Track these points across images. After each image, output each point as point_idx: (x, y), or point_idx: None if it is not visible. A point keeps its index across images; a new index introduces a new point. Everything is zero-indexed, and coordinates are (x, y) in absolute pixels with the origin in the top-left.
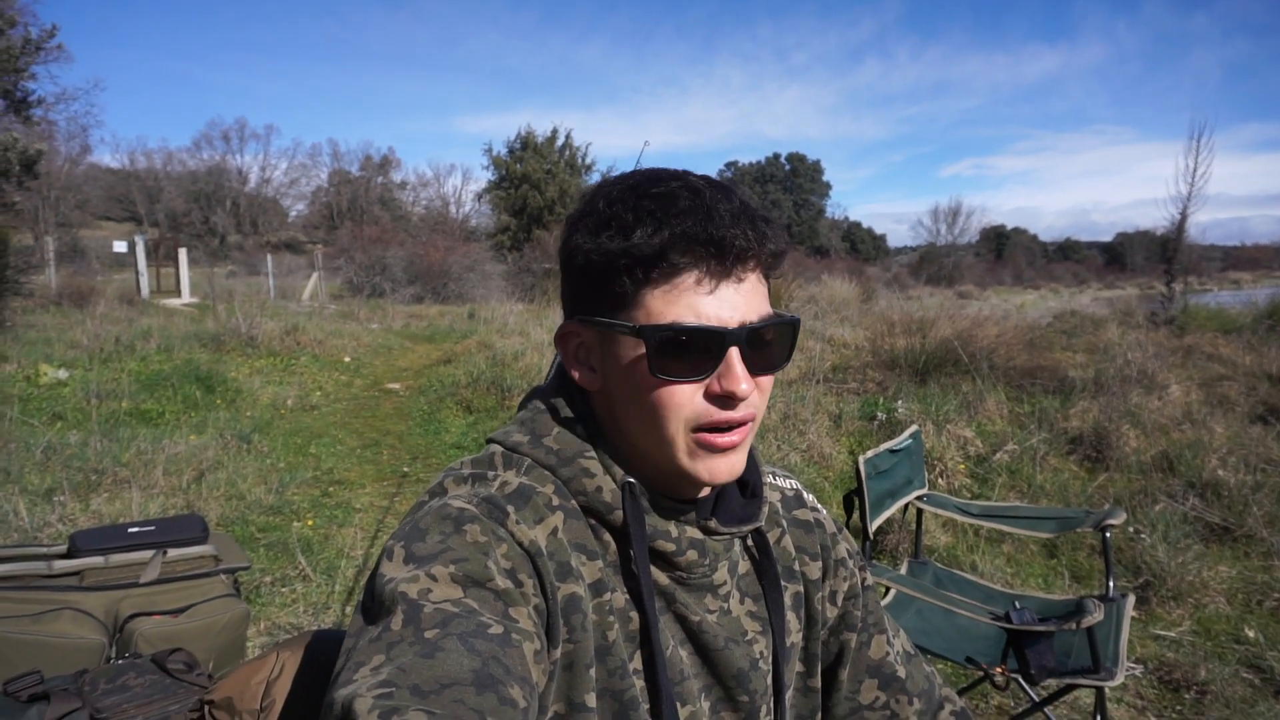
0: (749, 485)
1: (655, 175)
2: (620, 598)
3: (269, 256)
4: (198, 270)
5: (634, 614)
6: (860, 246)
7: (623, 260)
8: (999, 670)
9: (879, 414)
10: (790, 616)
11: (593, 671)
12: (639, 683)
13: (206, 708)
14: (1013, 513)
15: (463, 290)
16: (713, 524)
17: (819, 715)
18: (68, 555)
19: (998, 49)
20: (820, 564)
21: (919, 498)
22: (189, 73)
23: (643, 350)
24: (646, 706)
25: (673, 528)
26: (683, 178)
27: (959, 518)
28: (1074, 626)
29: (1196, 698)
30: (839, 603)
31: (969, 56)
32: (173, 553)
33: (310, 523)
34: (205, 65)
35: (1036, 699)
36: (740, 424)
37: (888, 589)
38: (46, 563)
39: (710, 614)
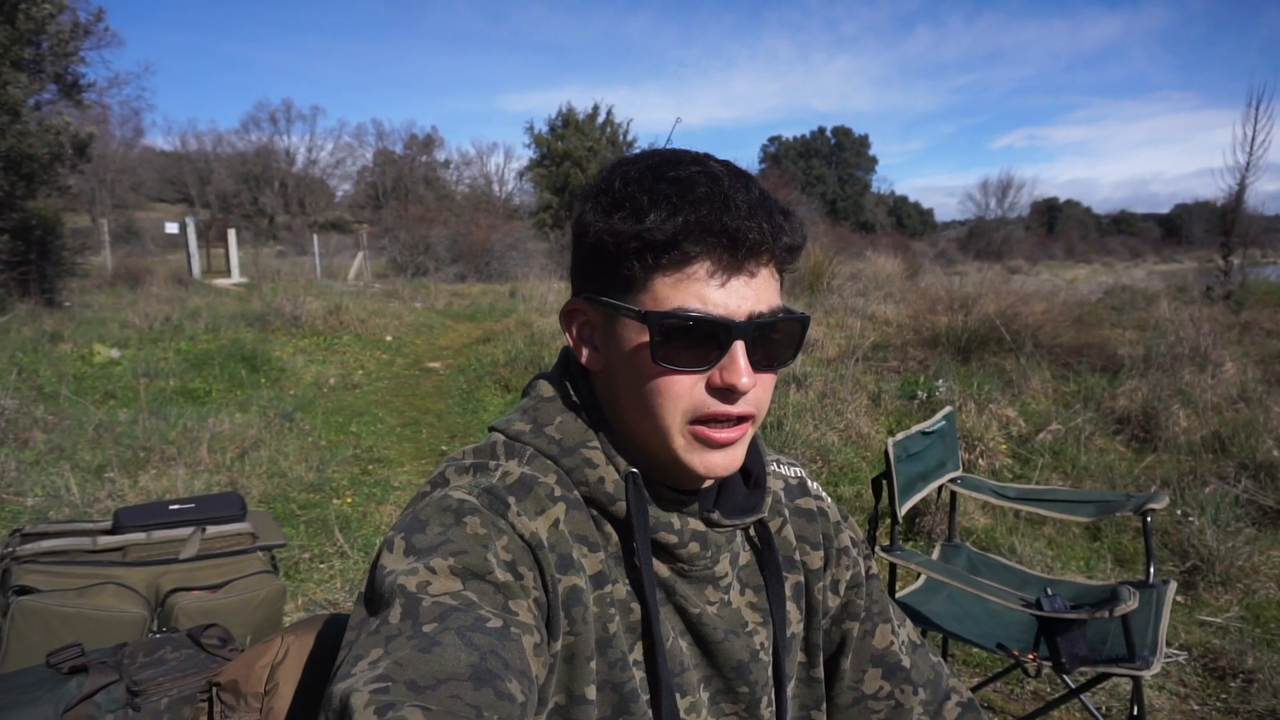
0: (752, 475)
1: (675, 158)
2: (621, 589)
3: (315, 236)
4: (246, 250)
5: (635, 605)
6: (906, 221)
7: (633, 243)
8: (1030, 657)
9: (919, 393)
10: (791, 607)
11: (593, 664)
12: (639, 674)
13: (214, 689)
14: (1050, 496)
15: (505, 268)
16: (715, 516)
17: (823, 705)
18: (111, 531)
19: (1056, 14)
20: (821, 553)
21: (953, 480)
22: (236, 54)
23: (646, 336)
24: (646, 698)
25: (675, 520)
26: (703, 162)
27: (994, 501)
28: (1107, 615)
29: (1243, 686)
30: (841, 591)
31: (1026, 22)
32: (211, 530)
33: (349, 500)
34: (252, 46)
35: (1072, 686)
36: (739, 420)
37: (918, 574)
38: (91, 538)
39: (710, 606)
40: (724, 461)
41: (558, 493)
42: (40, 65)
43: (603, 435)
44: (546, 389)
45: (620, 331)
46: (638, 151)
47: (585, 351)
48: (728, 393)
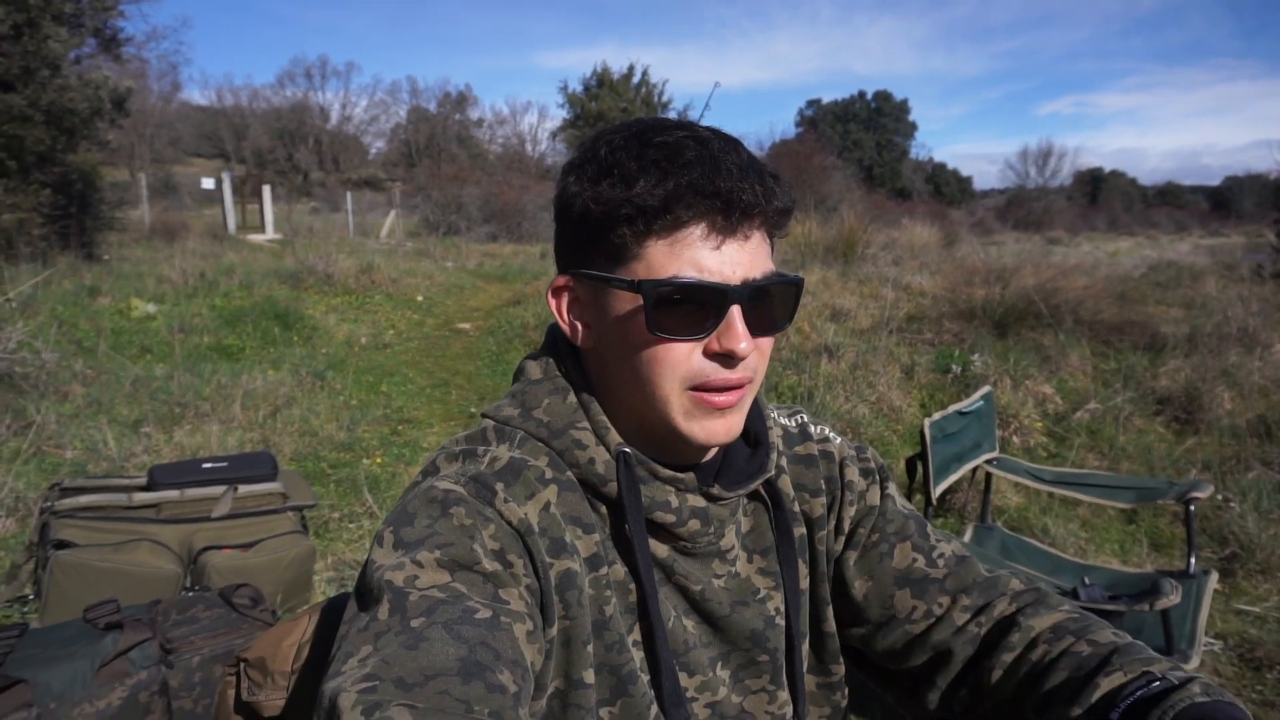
0: (753, 435)
1: (660, 124)
2: (619, 570)
3: (349, 194)
4: (281, 207)
5: (633, 586)
6: (944, 189)
7: (623, 210)
8: None
9: (954, 367)
10: (798, 563)
11: (590, 647)
12: (638, 655)
13: (242, 665)
14: (1089, 480)
15: (537, 229)
16: (715, 490)
17: (840, 659)
18: (147, 488)
19: None
20: (824, 499)
21: (988, 461)
22: (273, 8)
23: (640, 305)
24: (647, 678)
25: (673, 497)
26: (689, 128)
27: (1030, 483)
28: (1147, 608)
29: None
30: (845, 529)
31: None
32: (243, 489)
33: (379, 460)
34: (288, 1)
35: None
36: (738, 385)
37: None
38: (127, 494)
39: (717, 579)
40: (725, 428)
41: (549, 475)
42: (80, 20)
43: (593, 414)
44: (534, 371)
45: (612, 304)
46: (619, 123)
47: (575, 328)
48: (726, 359)
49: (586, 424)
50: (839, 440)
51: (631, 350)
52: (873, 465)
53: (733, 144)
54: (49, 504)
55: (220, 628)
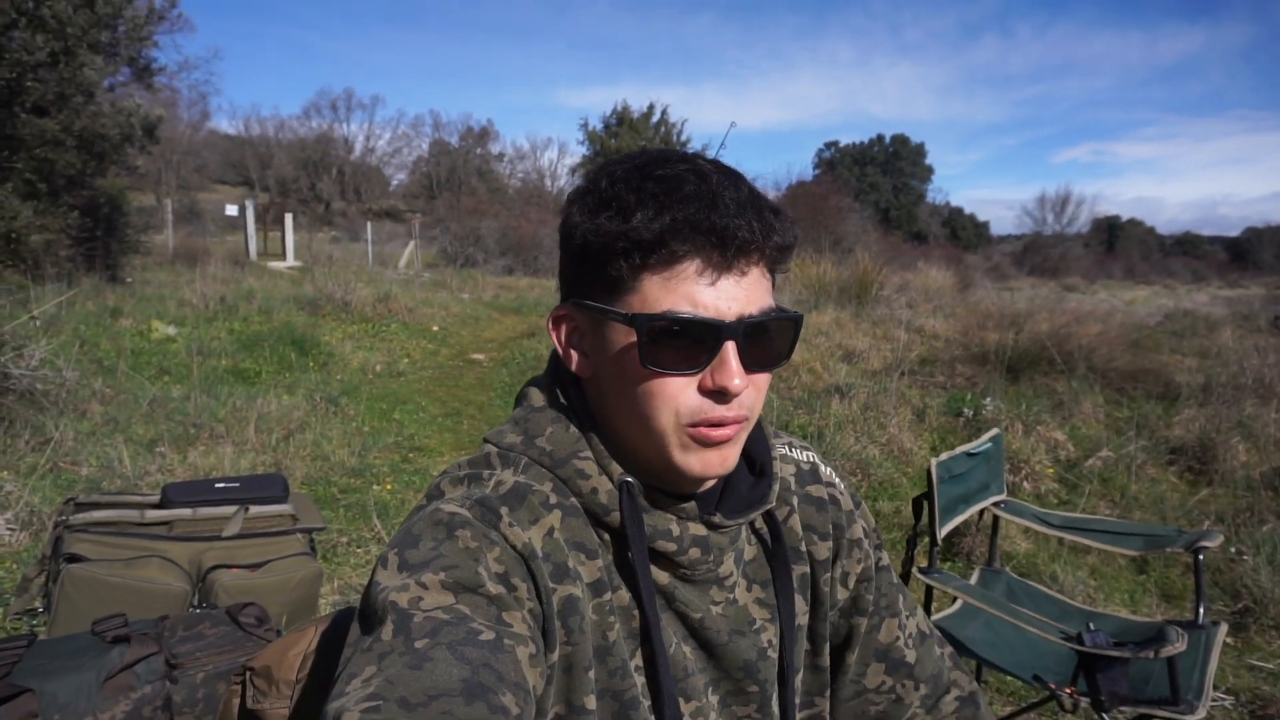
0: (757, 464)
1: (662, 156)
2: (623, 595)
3: (369, 224)
4: (302, 235)
5: (636, 612)
6: (961, 233)
7: (620, 243)
8: (1069, 691)
9: (965, 410)
10: (797, 598)
11: (591, 673)
12: (640, 680)
13: (247, 674)
14: (1097, 526)
15: (553, 263)
16: (717, 519)
17: (826, 692)
18: (160, 505)
19: (1133, 25)
20: (830, 544)
21: (996, 504)
22: (302, 41)
23: (634, 339)
24: (648, 704)
25: (674, 526)
26: (690, 161)
27: (1038, 528)
28: (1152, 655)
29: None
30: (850, 585)
31: (1099, 34)
32: (254, 510)
33: (389, 487)
34: (317, 34)
35: None
36: (735, 421)
37: (954, 598)
38: (140, 511)
39: (715, 606)
40: (720, 460)
41: (553, 500)
42: (115, 49)
43: (595, 444)
44: (537, 398)
45: (608, 335)
46: (625, 154)
47: (574, 357)
48: (720, 395)
49: (589, 454)
50: (844, 487)
51: (627, 383)
52: (873, 525)
53: (733, 178)
54: (63, 518)
55: (225, 645)
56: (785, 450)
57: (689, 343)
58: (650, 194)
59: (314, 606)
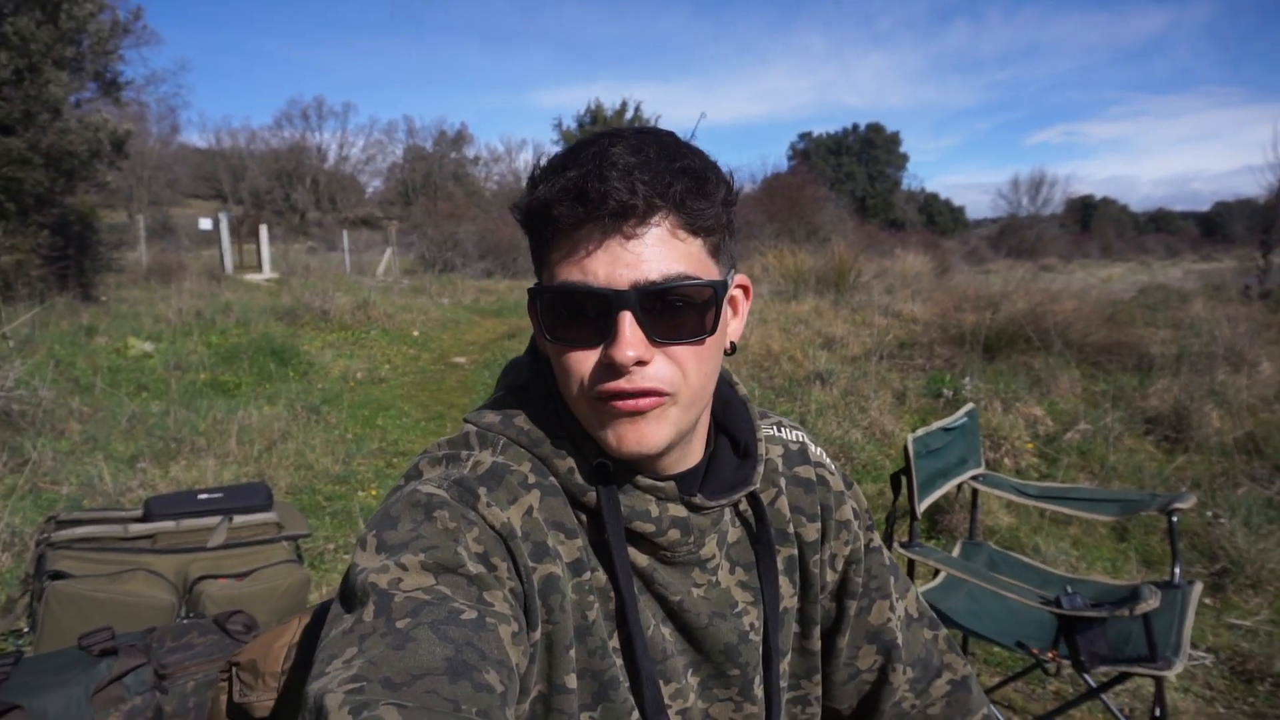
0: (741, 444)
1: (606, 131)
2: (601, 576)
3: (345, 233)
4: (278, 246)
5: (614, 593)
6: (937, 219)
7: (522, 215)
8: (1050, 656)
9: (945, 391)
10: (783, 581)
11: (572, 652)
12: (619, 661)
13: (234, 669)
14: (1073, 494)
15: (531, 265)
16: (698, 499)
17: (815, 676)
18: (142, 519)
19: (1098, 6)
20: (819, 525)
21: (974, 478)
22: (271, 51)
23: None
24: (627, 685)
25: (653, 506)
26: (614, 133)
27: (1016, 498)
28: (1127, 613)
29: (1271, 690)
30: (839, 567)
31: (1066, 16)
32: (238, 519)
33: (374, 493)
34: (286, 43)
35: (1093, 685)
36: (642, 394)
37: (937, 570)
38: (123, 526)
39: (696, 589)
40: (636, 436)
41: (531, 480)
42: (81, 63)
43: (570, 424)
44: (516, 377)
45: (533, 311)
46: None
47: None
48: (614, 368)
49: (565, 433)
50: (835, 468)
51: (551, 356)
52: (864, 506)
53: (648, 142)
54: (45, 536)
55: (214, 653)
56: (773, 431)
57: (586, 314)
58: (557, 165)
59: (302, 612)
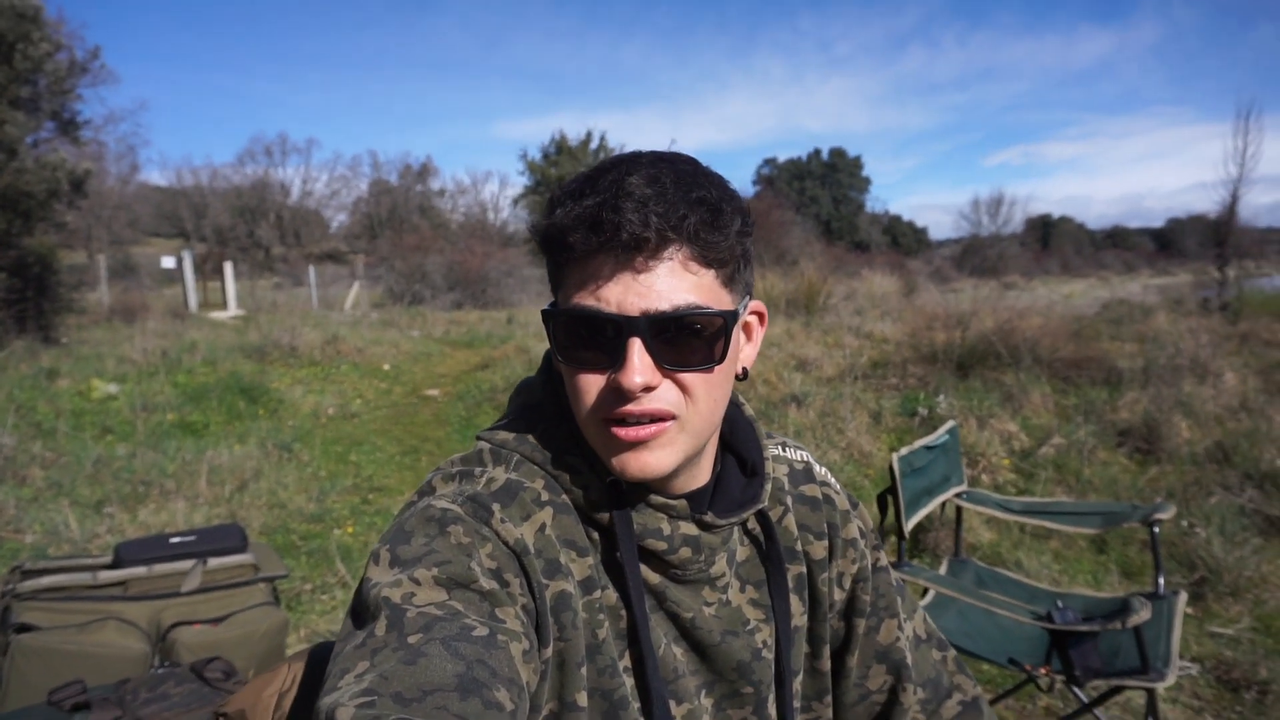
0: (748, 464)
1: (627, 157)
2: (611, 595)
3: (311, 268)
4: (243, 283)
5: (625, 611)
6: (901, 240)
7: (540, 238)
8: (1043, 671)
9: (920, 409)
10: (793, 599)
11: (583, 670)
12: (629, 681)
13: None
14: (1056, 508)
15: (501, 295)
16: (709, 518)
17: (826, 697)
18: (112, 566)
19: (1049, 30)
20: (826, 543)
21: (958, 495)
22: (231, 88)
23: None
24: (637, 705)
25: (665, 525)
26: (635, 158)
27: (1000, 515)
28: (1119, 626)
29: (1257, 697)
30: (846, 586)
31: (1018, 40)
32: (213, 562)
33: (350, 530)
34: (247, 80)
35: (1085, 700)
36: (652, 419)
37: (926, 589)
38: (92, 574)
39: (708, 607)
40: (638, 464)
41: (544, 497)
42: (37, 103)
43: (583, 442)
44: (530, 396)
45: (549, 332)
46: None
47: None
48: (622, 392)
49: (579, 452)
50: (840, 487)
51: (565, 377)
52: (870, 525)
53: (664, 171)
54: (10, 587)
55: (193, 702)
56: (779, 450)
57: (597, 338)
58: (575, 190)
59: (281, 656)
